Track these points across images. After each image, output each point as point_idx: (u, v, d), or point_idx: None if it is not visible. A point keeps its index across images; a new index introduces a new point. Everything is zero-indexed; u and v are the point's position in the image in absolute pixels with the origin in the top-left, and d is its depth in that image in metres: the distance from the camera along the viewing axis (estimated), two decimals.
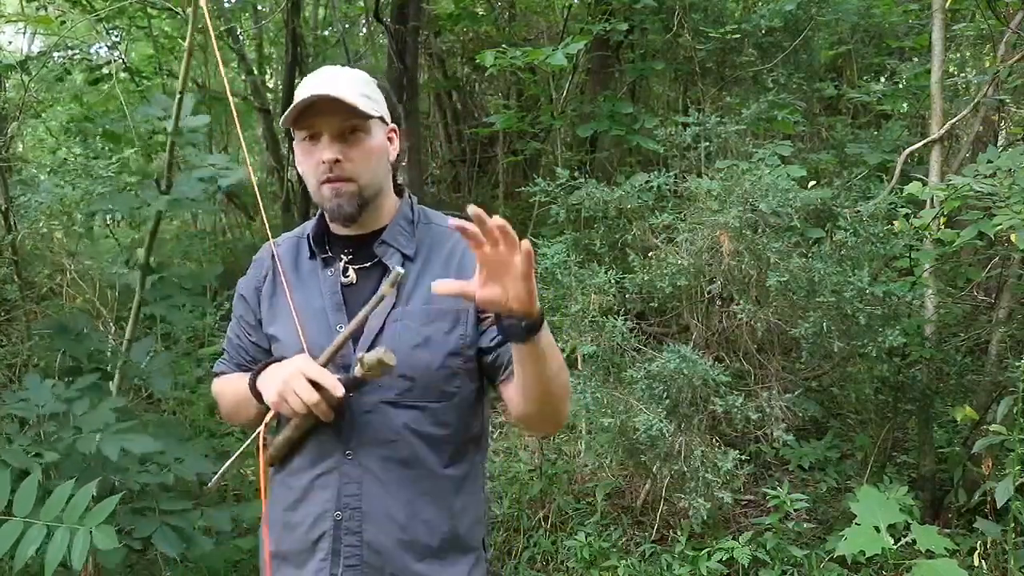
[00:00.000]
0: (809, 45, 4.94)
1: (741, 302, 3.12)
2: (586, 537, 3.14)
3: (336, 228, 1.39)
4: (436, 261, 1.36)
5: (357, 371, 1.22)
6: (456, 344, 1.32)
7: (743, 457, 3.01)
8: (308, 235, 1.41)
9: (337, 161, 1.27)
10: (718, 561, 2.90)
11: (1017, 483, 2.48)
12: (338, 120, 1.27)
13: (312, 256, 1.40)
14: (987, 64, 5.07)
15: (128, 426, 2.00)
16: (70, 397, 2.06)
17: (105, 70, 5.10)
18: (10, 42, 5.69)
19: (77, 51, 4.52)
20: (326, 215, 1.37)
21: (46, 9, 4.69)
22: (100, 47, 5.64)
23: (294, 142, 1.34)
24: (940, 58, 3.59)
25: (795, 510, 3.04)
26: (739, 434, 3.27)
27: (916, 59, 5.62)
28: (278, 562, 1.38)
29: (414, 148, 6.15)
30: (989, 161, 2.68)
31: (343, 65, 1.39)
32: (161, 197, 2.22)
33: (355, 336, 1.28)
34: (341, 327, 1.30)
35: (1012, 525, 2.53)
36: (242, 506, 2.67)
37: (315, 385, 1.20)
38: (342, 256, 1.37)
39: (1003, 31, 3.81)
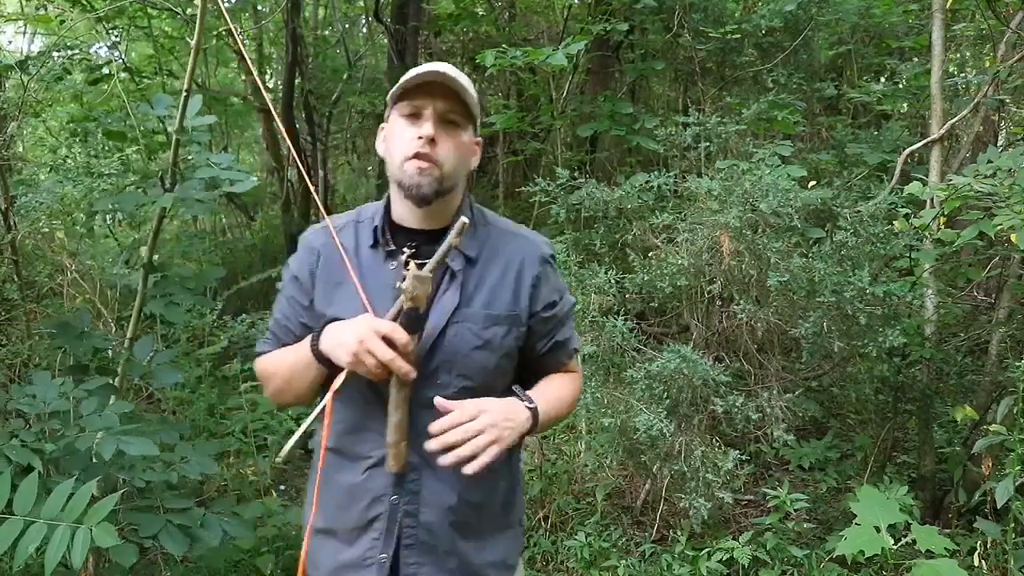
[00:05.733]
0: (809, 45, 4.94)
1: (741, 302, 3.12)
2: (586, 537, 3.14)
3: (401, 219, 1.41)
4: (495, 265, 1.41)
5: (405, 304, 1.23)
6: (512, 346, 1.40)
7: (743, 457, 3.01)
8: (376, 226, 1.41)
9: (432, 140, 1.31)
10: (718, 561, 2.90)
11: (1017, 483, 2.49)
12: (444, 104, 1.32)
13: (374, 245, 1.40)
14: (987, 64, 5.07)
15: (131, 428, 2.00)
16: (78, 396, 2.05)
17: (105, 70, 5.10)
18: (10, 42, 5.69)
19: (77, 51, 4.52)
20: (400, 193, 1.38)
21: (46, 9, 4.69)
22: (100, 47, 5.64)
23: (389, 118, 1.39)
24: (940, 58, 3.59)
25: (795, 510, 3.04)
26: (739, 434, 3.27)
27: (916, 59, 5.63)
28: (324, 536, 1.42)
29: None
30: (989, 161, 2.68)
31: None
32: (166, 194, 2.21)
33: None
34: None
35: (1012, 525, 2.54)
36: (242, 507, 2.68)
37: (387, 342, 1.23)
38: (404, 249, 1.37)
39: (1003, 31, 3.81)
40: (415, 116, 1.33)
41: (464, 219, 1.27)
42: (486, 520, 1.43)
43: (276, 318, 1.50)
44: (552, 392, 1.46)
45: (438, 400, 1.30)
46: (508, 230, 1.47)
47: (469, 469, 1.26)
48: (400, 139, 1.35)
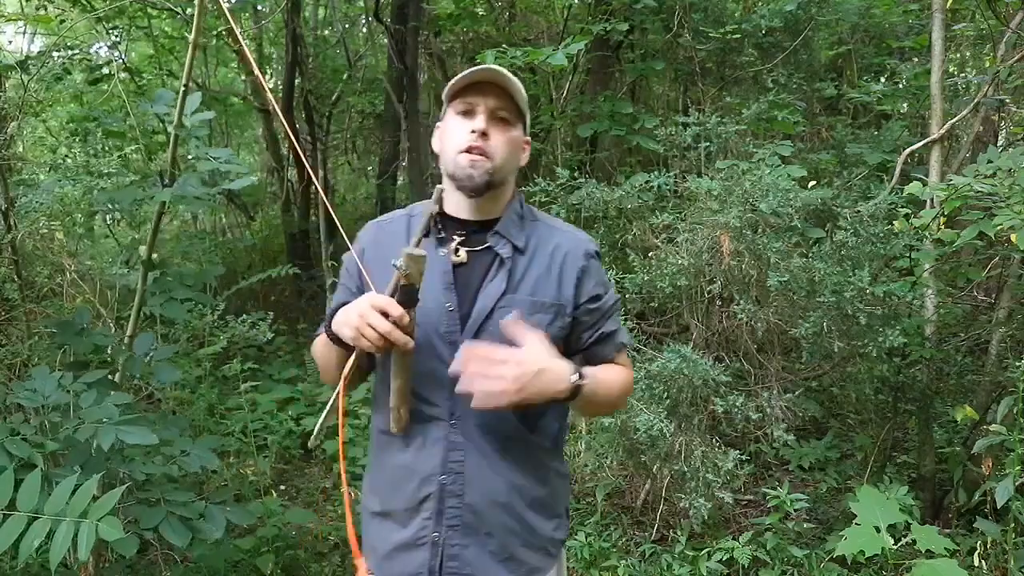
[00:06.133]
0: (809, 45, 4.94)
1: (741, 302, 3.12)
2: (586, 537, 3.14)
3: (452, 210, 1.48)
4: (542, 256, 1.47)
5: (400, 281, 1.30)
6: (556, 335, 1.44)
7: (743, 457, 3.01)
8: (430, 215, 1.47)
9: (484, 134, 1.39)
10: (718, 561, 2.91)
11: (1017, 483, 2.49)
12: (496, 102, 1.41)
13: (427, 234, 1.46)
14: (987, 64, 5.07)
15: (130, 419, 2.00)
16: (77, 389, 2.06)
17: (105, 70, 5.09)
18: (10, 42, 5.69)
19: (77, 51, 4.51)
20: (452, 184, 1.45)
21: (46, 9, 4.69)
22: (100, 47, 5.64)
23: (444, 115, 1.48)
24: (940, 58, 3.59)
25: (795, 510, 3.04)
26: (739, 434, 3.27)
27: (916, 59, 5.62)
28: (380, 520, 1.49)
29: (414, 148, 6.15)
30: (989, 161, 2.68)
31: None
32: (165, 190, 2.21)
33: (463, 317, 1.40)
34: (450, 306, 1.41)
35: (1012, 525, 2.54)
36: (242, 506, 2.67)
37: (385, 315, 1.29)
38: (455, 237, 1.46)
39: (1003, 31, 3.81)
40: (468, 113, 1.42)
41: (441, 186, 1.38)
42: (529, 504, 1.46)
43: (332, 306, 1.58)
44: (606, 376, 1.48)
45: (503, 321, 1.35)
46: (555, 226, 1.55)
47: (474, 403, 1.29)
48: (454, 134, 1.43)
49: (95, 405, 2.02)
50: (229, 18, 2.04)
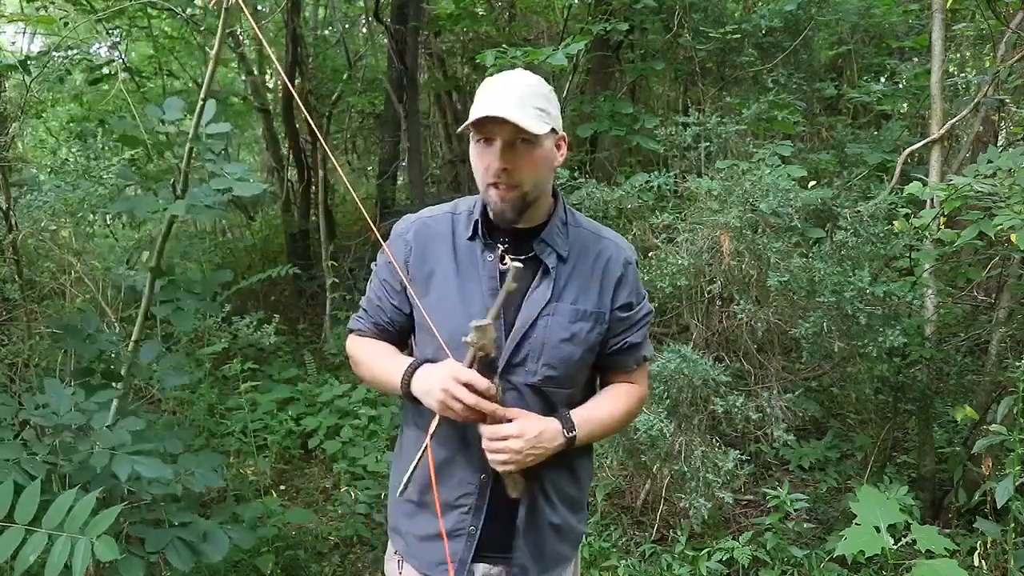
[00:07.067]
0: (809, 45, 4.94)
1: (741, 302, 3.12)
2: (586, 537, 3.14)
3: (497, 217, 1.49)
4: (584, 264, 1.51)
5: (476, 354, 1.35)
6: (595, 341, 1.50)
7: (743, 457, 3.01)
8: (477, 220, 1.49)
9: (505, 170, 1.38)
10: (718, 561, 2.91)
11: (1017, 483, 2.49)
12: (512, 133, 1.37)
13: (472, 237, 1.50)
14: (987, 64, 5.08)
15: (144, 449, 1.99)
16: (89, 408, 2.04)
17: (105, 70, 5.09)
18: (13, 43, 5.70)
19: (77, 51, 4.51)
20: (489, 213, 1.48)
21: (46, 9, 4.69)
22: (100, 47, 5.64)
23: (470, 140, 1.46)
24: (940, 58, 3.59)
25: (795, 510, 3.04)
26: (739, 434, 3.27)
27: (916, 59, 5.63)
28: (412, 507, 1.55)
29: (414, 148, 6.15)
30: (989, 161, 2.68)
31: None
32: (178, 202, 2.17)
33: (509, 324, 1.44)
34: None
35: (1012, 525, 2.54)
36: (242, 507, 2.67)
37: (469, 387, 1.34)
38: (500, 244, 1.48)
39: (1003, 31, 3.81)
40: (489, 141, 1.40)
41: (518, 264, 1.38)
42: (563, 501, 1.55)
43: (369, 297, 1.61)
44: (603, 411, 1.55)
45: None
46: (596, 232, 1.57)
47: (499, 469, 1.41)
48: (478, 164, 1.43)
49: (107, 428, 2.01)
50: (251, 21, 2.03)
